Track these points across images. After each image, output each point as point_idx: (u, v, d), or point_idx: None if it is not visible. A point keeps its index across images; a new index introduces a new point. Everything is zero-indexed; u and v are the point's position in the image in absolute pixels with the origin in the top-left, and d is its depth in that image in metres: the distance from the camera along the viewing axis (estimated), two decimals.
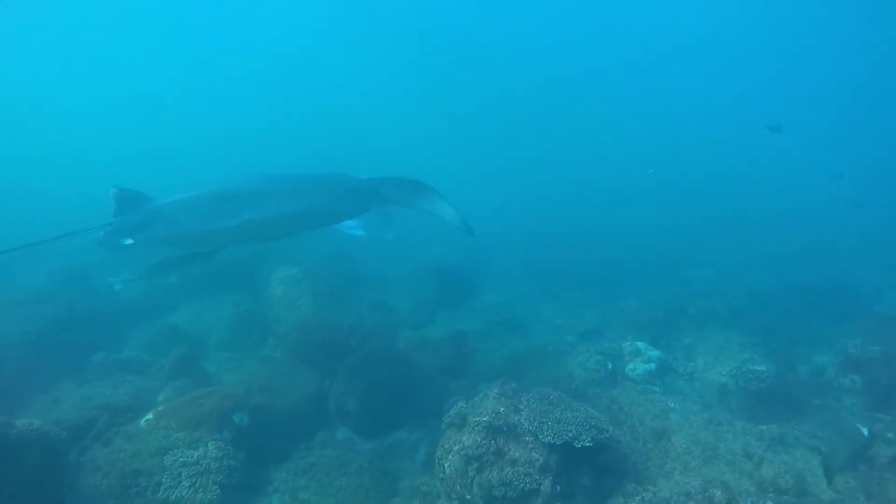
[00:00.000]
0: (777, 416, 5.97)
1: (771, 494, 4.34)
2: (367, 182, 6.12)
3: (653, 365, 6.87)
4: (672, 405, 5.83)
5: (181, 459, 4.96)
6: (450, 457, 4.67)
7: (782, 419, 5.89)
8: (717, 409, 6.08)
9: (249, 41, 37.66)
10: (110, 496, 4.64)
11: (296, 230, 6.43)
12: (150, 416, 5.49)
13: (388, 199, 6.39)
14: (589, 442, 4.43)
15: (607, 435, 4.65)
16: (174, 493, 4.73)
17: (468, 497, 4.45)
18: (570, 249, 16.04)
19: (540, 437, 4.47)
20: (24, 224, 14.13)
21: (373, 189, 6.15)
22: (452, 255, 14.62)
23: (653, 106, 38.95)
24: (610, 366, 7.04)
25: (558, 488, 4.30)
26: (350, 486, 5.48)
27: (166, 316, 9.64)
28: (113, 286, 10.16)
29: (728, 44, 34.05)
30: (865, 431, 5.42)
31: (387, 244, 13.73)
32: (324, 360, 8.16)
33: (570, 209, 22.76)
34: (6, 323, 7.34)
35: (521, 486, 4.25)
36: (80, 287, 9.18)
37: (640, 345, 7.19)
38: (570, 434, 4.46)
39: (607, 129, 38.97)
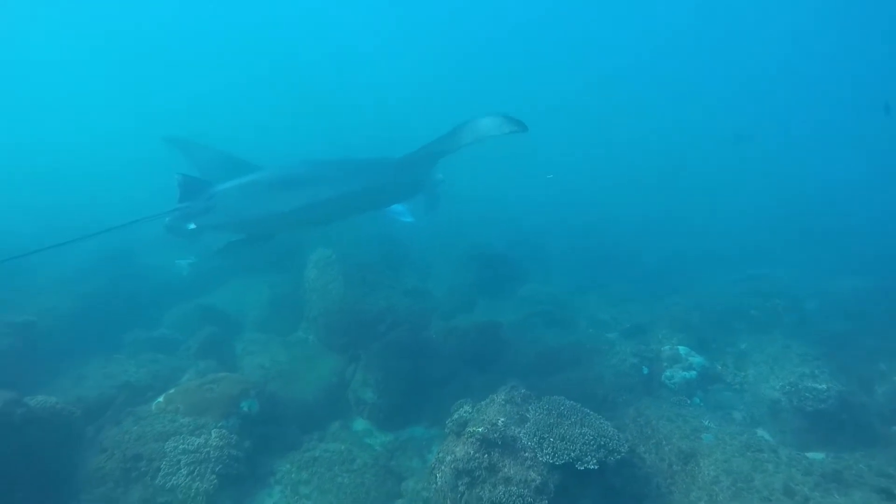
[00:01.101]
0: (837, 446, 5.17)
1: None
2: (411, 154, 5.78)
3: (693, 373, 6.16)
4: (707, 423, 5.16)
5: (182, 446, 4.97)
6: (442, 467, 4.36)
7: (843, 449, 5.08)
8: (762, 431, 5.34)
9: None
10: (111, 478, 4.72)
11: (347, 213, 6.64)
12: (161, 398, 5.55)
13: (435, 154, 5.97)
14: (594, 464, 3.95)
15: (619, 457, 4.13)
16: (171, 481, 4.74)
17: None
18: (627, 240, 15.03)
19: (538, 455, 4.04)
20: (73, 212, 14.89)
21: (419, 157, 5.81)
22: (501, 241, 14.09)
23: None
24: (646, 370, 6.41)
25: None
26: (351, 484, 5.32)
27: (207, 295, 9.89)
28: (181, 269, 10.61)
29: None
30: None
31: (434, 228, 13.45)
32: (351, 345, 8.05)
33: (630, 199, 21.41)
34: (54, 297, 7.74)
35: None
36: (123, 266, 9.56)
37: (682, 349, 6.48)
38: (572, 454, 4.00)
39: (662, 120, 36.80)
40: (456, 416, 4.92)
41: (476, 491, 4.05)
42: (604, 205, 20.31)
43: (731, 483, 4.33)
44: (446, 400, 6.99)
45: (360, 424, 6.82)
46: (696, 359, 6.34)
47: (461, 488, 4.11)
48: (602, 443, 4.15)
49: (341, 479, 5.34)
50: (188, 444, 4.99)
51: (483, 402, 5.00)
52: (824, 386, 5.54)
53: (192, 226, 5.86)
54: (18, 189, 20.43)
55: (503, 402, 4.77)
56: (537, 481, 3.97)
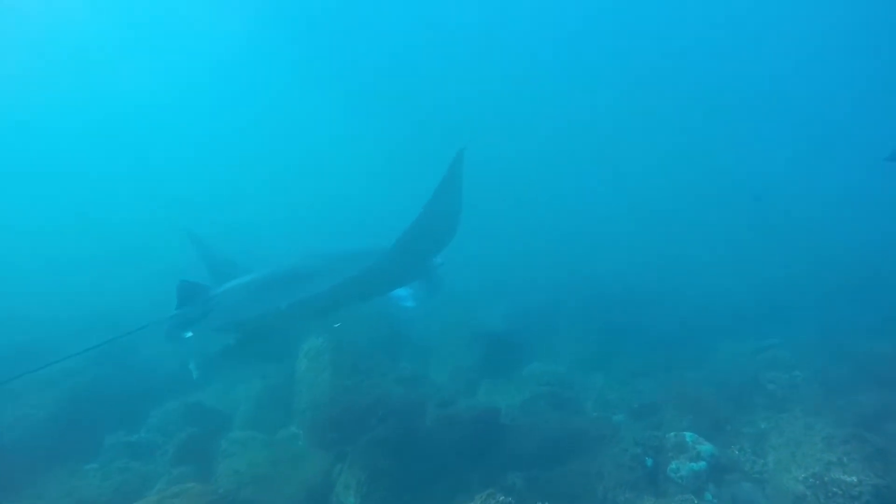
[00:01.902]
0: None
1: None
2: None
3: (702, 464, 5.49)
4: None
5: None
6: None
7: None
8: None
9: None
10: None
11: (344, 304, 6.74)
12: None
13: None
14: None
15: None
16: None
17: None
18: (640, 302, 14.43)
19: None
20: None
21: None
22: (505, 316, 13.65)
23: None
24: (650, 462, 5.76)
25: None
26: None
27: (200, 389, 9.62)
28: (192, 373, 10.45)
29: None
30: None
31: (436, 307, 13.14)
32: (339, 441, 7.56)
33: (643, 251, 20.89)
34: (31, 403, 7.55)
35: None
36: (113, 363, 9.40)
37: (689, 436, 5.83)
38: None
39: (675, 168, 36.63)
40: None
41: None
42: (615, 257, 19.82)
43: None
44: (437, 500, 6.48)
45: None
46: (705, 447, 5.67)
47: None
48: None
49: None
50: None
51: None
52: (855, 478, 4.83)
53: (189, 334, 5.98)
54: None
55: None
56: None
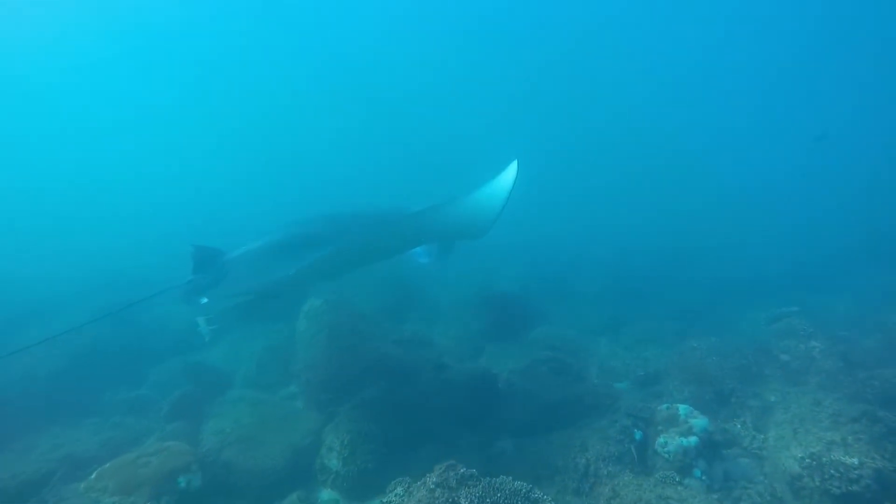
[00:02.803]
0: None
1: None
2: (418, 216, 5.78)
3: (693, 439, 5.13)
4: None
5: None
6: None
7: None
8: None
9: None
10: None
11: (357, 266, 6.84)
12: (94, 474, 5.22)
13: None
14: None
15: None
16: None
17: None
18: (660, 268, 13.81)
19: None
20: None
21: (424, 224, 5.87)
22: (520, 279, 13.29)
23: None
24: (639, 435, 5.46)
25: None
26: None
27: (207, 348, 9.75)
28: (202, 334, 10.63)
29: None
30: None
31: (453, 267, 12.88)
32: (332, 402, 7.55)
33: (669, 219, 19.96)
34: (37, 358, 7.76)
35: None
36: (119, 321, 9.57)
37: (682, 409, 5.46)
38: None
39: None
40: (387, 499, 4.25)
41: None
42: (636, 230, 19.03)
43: None
44: (423, 464, 6.37)
45: (326, 495, 6.22)
46: (698, 421, 5.30)
47: None
48: None
49: None
50: None
51: (418, 483, 4.30)
52: (856, 460, 4.40)
53: (204, 300, 6.13)
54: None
55: (433, 487, 4.05)
56: None
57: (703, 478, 4.99)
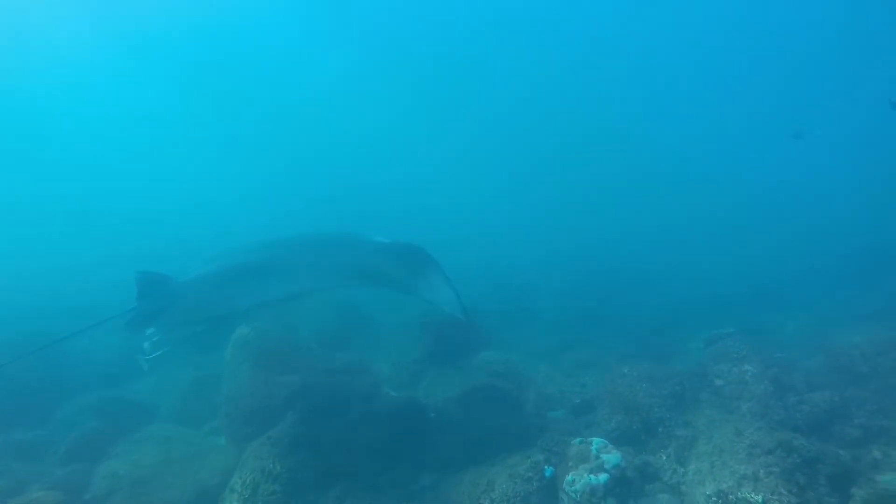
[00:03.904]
0: None
1: None
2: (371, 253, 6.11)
3: (604, 477, 4.76)
4: None
5: None
6: None
7: None
8: None
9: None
10: None
11: (307, 294, 6.80)
12: None
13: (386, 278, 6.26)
14: None
15: None
16: None
17: None
18: (624, 287, 13.56)
19: None
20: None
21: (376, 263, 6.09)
22: (479, 299, 12.93)
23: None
24: (549, 472, 5.10)
25: None
26: None
27: (136, 380, 9.27)
28: (142, 366, 10.14)
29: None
30: None
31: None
32: (253, 437, 7.10)
33: (638, 236, 19.85)
34: None
35: None
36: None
37: (596, 443, 5.10)
38: None
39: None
40: None
41: None
42: (604, 247, 18.86)
43: None
44: None
45: None
46: (610, 456, 4.94)
47: None
48: None
49: None
50: None
51: None
52: (760, 497, 4.06)
53: (151, 329, 5.86)
54: None
55: None
56: None
57: None
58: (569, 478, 4.83)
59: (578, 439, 5.21)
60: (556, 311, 12.28)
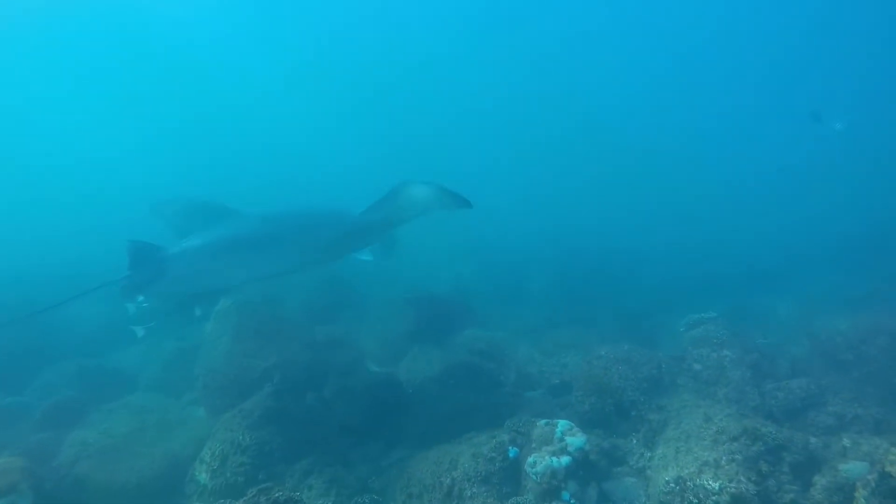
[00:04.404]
0: None
1: None
2: (363, 218, 5.99)
3: (566, 459, 4.70)
4: None
5: None
6: None
7: None
8: None
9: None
10: None
11: (300, 269, 7.00)
12: None
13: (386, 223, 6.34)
14: None
15: None
16: None
17: None
18: (613, 270, 13.40)
19: None
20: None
21: (371, 222, 6.09)
22: (468, 277, 12.86)
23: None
24: (513, 452, 5.03)
25: None
26: None
27: (123, 348, 9.30)
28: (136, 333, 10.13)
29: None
30: None
31: (394, 268, 12.42)
32: (228, 409, 7.10)
33: (635, 217, 19.59)
34: None
35: None
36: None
37: (561, 425, 5.03)
38: None
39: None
40: None
41: None
42: (602, 227, 18.64)
43: None
44: (297, 478, 5.94)
45: None
46: (575, 439, 4.87)
47: None
48: None
49: None
50: None
51: None
52: (717, 485, 3.98)
53: (141, 298, 6.01)
54: None
55: None
56: None
57: (573, 501, 4.57)
58: (530, 459, 4.78)
59: (544, 421, 5.14)
60: (546, 290, 12.17)
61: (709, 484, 4.03)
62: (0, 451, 5.98)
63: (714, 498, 3.90)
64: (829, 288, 10.61)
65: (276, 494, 3.79)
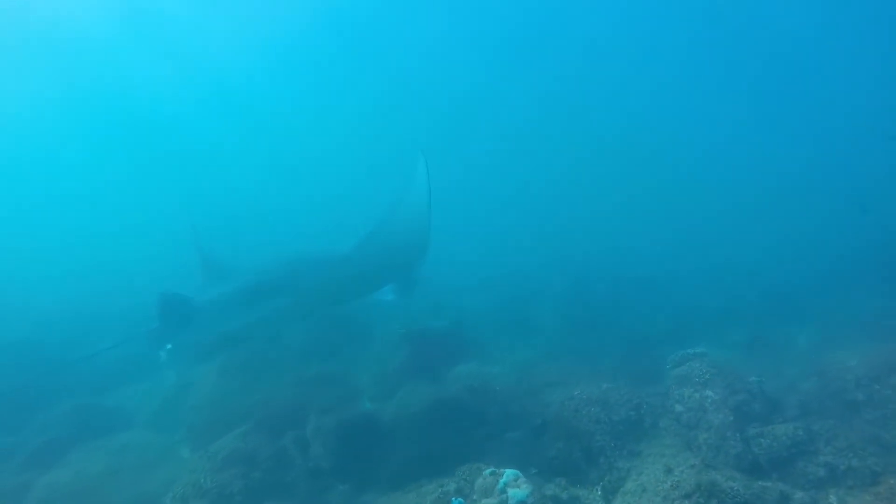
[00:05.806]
0: None
1: None
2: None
3: None
4: None
5: None
6: None
7: None
8: None
9: None
10: None
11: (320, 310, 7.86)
12: None
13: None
14: None
15: None
16: None
17: None
18: (631, 293, 12.82)
19: None
20: None
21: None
22: (470, 311, 12.58)
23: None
24: (457, 503, 4.75)
25: None
26: None
27: (125, 387, 9.59)
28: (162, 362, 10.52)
29: None
30: None
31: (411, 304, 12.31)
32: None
33: (651, 238, 18.79)
34: None
35: None
36: (28, 361, 9.52)
37: (508, 474, 4.71)
38: None
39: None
40: None
41: None
42: (612, 247, 17.96)
43: None
44: None
45: None
46: (518, 492, 4.54)
47: None
48: None
49: None
50: None
51: None
52: None
53: (169, 346, 6.81)
54: None
55: None
56: None
57: None
58: None
59: (489, 470, 4.86)
60: (551, 320, 11.76)
61: None
62: None
63: None
64: (851, 313, 9.71)
65: None
